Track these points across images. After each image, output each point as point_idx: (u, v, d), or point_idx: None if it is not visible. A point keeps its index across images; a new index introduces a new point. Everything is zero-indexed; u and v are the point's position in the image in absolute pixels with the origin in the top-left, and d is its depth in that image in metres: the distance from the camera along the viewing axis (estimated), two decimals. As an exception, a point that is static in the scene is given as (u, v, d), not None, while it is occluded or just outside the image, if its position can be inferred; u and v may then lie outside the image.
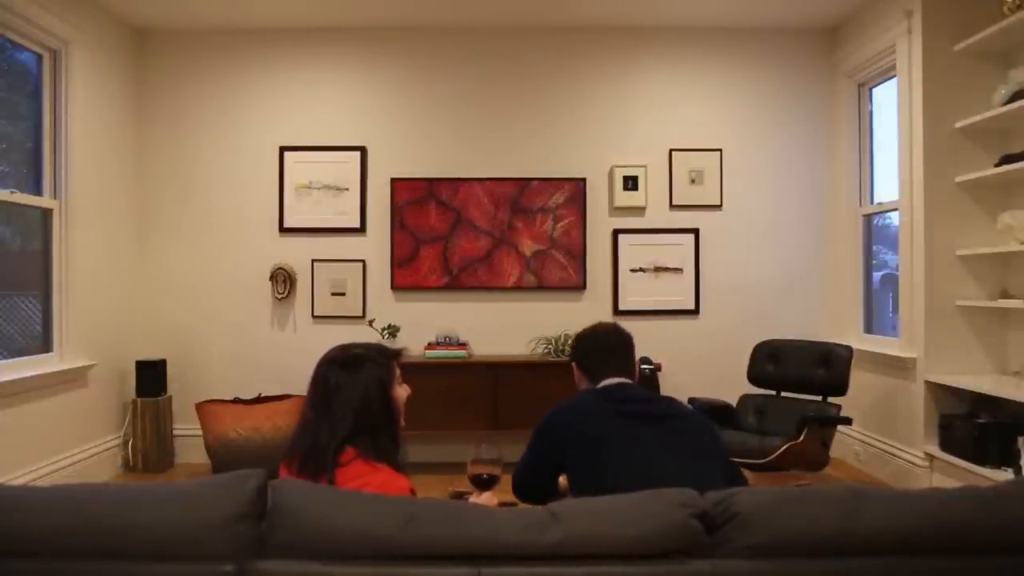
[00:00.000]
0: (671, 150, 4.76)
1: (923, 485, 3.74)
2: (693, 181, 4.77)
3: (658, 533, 1.22)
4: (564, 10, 4.49)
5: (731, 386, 4.25)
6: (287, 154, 4.74)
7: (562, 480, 2.07)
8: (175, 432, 4.64)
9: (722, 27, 4.74)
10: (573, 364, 2.13)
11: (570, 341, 4.70)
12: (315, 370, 1.66)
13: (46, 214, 4.00)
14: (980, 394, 3.51)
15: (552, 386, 4.32)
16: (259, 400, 4.52)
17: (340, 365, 1.64)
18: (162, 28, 4.72)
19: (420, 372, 4.26)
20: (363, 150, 4.75)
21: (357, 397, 1.58)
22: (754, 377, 4.04)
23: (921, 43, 3.79)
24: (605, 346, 2.09)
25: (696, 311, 4.74)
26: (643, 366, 4.34)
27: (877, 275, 4.63)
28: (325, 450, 1.54)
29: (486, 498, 1.80)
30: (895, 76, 4.07)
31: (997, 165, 3.56)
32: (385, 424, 1.61)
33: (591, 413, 1.92)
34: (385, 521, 1.26)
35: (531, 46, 4.77)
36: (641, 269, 4.75)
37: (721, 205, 4.78)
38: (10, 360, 3.69)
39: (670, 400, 2.06)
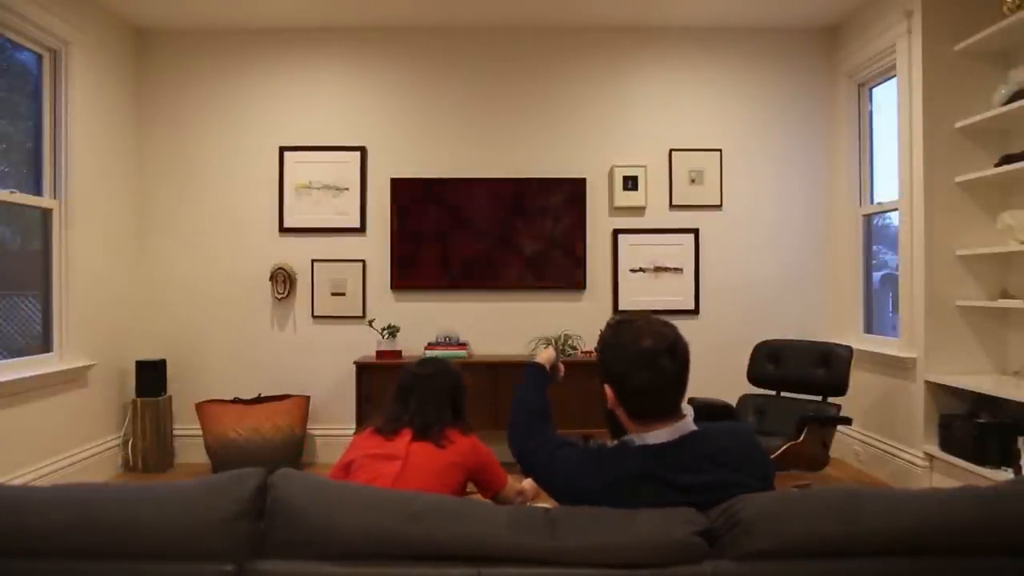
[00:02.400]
0: (671, 150, 4.76)
1: (923, 485, 3.74)
2: (693, 181, 4.77)
3: (659, 547, 1.22)
4: (564, 10, 4.49)
5: (731, 386, 4.25)
6: (287, 154, 4.74)
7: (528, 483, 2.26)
8: (175, 432, 4.64)
9: (722, 27, 4.74)
10: (606, 387, 1.48)
11: (571, 343, 4.80)
12: (435, 375, 2.33)
13: (46, 214, 4.00)
14: (980, 394, 3.51)
15: (552, 386, 4.32)
16: (259, 400, 4.53)
17: (454, 372, 2.37)
18: (162, 28, 4.72)
19: (420, 372, 4.26)
20: (363, 150, 4.75)
21: (460, 389, 2.34)
22: (754, 377, 4.04)
23: (921, 43, 3.79)
24: (659, 384, 1.42)
25: (696, 311, 4.74)
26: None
27: (877, 275, 4.63)
28: (440, 422, 2.22)
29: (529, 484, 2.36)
30: (895, 76, 4.06)
31: (997, 165, 3.56)
32: (464, 407, 2.35)
33: (631, 487, 1.39)
34: (385, 520, 1.26)
35: (531, 46, 4.77)
36: (641, 269, 4.75)
37: (721, 205, 4.78)
38: (10, 360, 3.69)
39: (729, 462, 1.43)
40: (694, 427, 1.46)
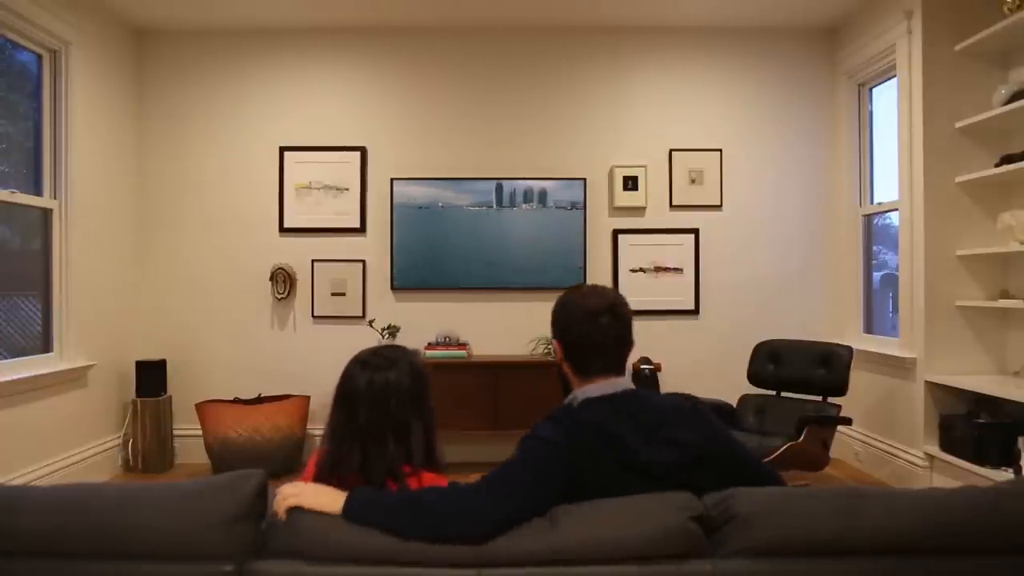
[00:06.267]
0: (671, 150, 4.77)
1: (923, 485, 3.73)
2: (693, 181, 4.77)
3: (656, 537, 1.22)
4: (564, 10, 4.49)
5: (731, 386, 4.25)
6: (287, 154, 4.74)
7: None
8: (175, 432, 4.64)
9: (722, 27, 4.74)
10: (555, 342, 1.63)
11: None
12: (383, 388, 1.59)
13: (46, 214, 4.00)
14: (980, 394, 3.51)
15: (552, 386, 4.32)
16: (259, 400, 4.53)
17: (407, 373, 1.65)
18: (162, 28, 4.72)
19: (420, 372, 4.27)
20: (363, 150, 4.75)
21: (422, 396, 1.66)
22: (754, 377, 4.04)
23: (921, 43, 3.79)
24: (599, 339, 1.56)
25: (696, 311, 4.74)
26: (642, 366, 4.35)
27: (877, 275, 4.63)
28: (394, 465, 1.51)
29: None
30: (895, 76, 4.06)
31: (997, 165, 3.56)
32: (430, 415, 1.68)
33: (587, 440, 1.44)
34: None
35: (531, 46, 4.77)
36: (641, 269, 4.75)
37: (721, 205, 4.78)
38: (10, 360, 3.69)
39: (675, 418, 1.51)
40: (631, 385, 1.58)
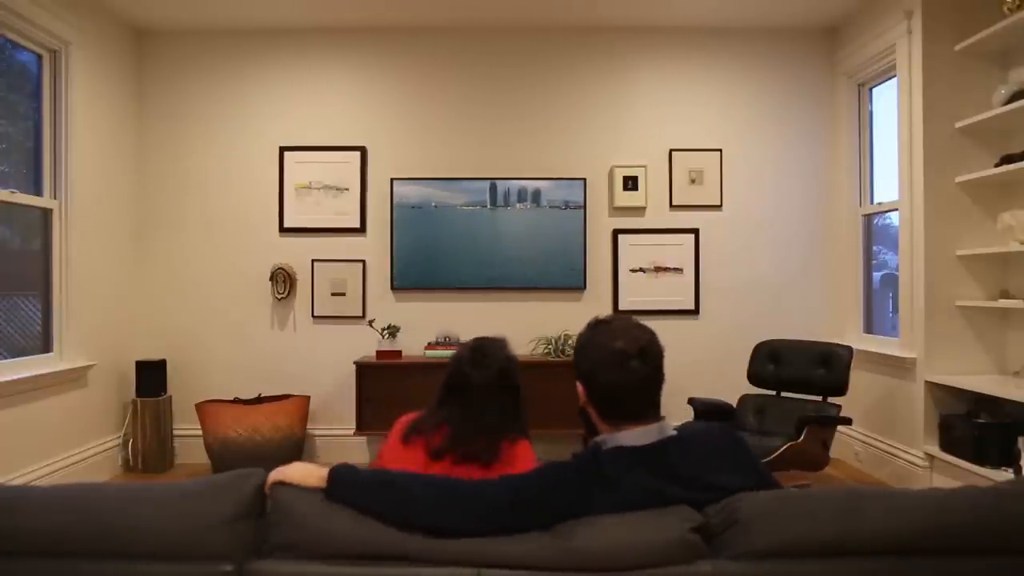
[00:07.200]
0: (671, 150, 4.76)
1: (923, 485, 3.73)
2: (693, 181, 4.77)
3: (656, 547, 1.22)
4: (564, 10, 4.49)
5: (731, 386, 4.25)
6: (287, 154, 4.74)
7: None
8: (175, 432, 4.64)
9: (722, 27, 4.74)
10: (578, 384, 1.49)
11: (571, 343, 4.79)
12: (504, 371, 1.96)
13: (46, 214, 3.99)
14: (980, 394, 3.51)
15: (552, 386, 4.33)
16: (259, 400, 4.53)
17: (512, 371, 2.00)
18: (162, 28, 4.72)
19: (420, 372, 4.26)
20: (363, 150, 4.75)
21: (519, 390, 1.99)
22: (754, 377, 4.03)
23: (921, 43, 3.79)
24: (628, 386, 1.40)
25: (696, 311, 4.74)
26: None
27: (877, 275, 4.63)
28: (491, 445, 1.87)
29: None
30: (895, 76, 4.07)
31: (997, 165, 3.56)
32: (520, 405, 2.02)
33: (607, 487, 1.34)
34: (384, 525, 1.26)
35: (531, 46, 4.77)
36: (641, 269, 4.75)
37: (721, 205, 4.78)
38: (10, 360, 3.69)
39: (711, 464, 1.40)
40: (672, 432, 1.43)
